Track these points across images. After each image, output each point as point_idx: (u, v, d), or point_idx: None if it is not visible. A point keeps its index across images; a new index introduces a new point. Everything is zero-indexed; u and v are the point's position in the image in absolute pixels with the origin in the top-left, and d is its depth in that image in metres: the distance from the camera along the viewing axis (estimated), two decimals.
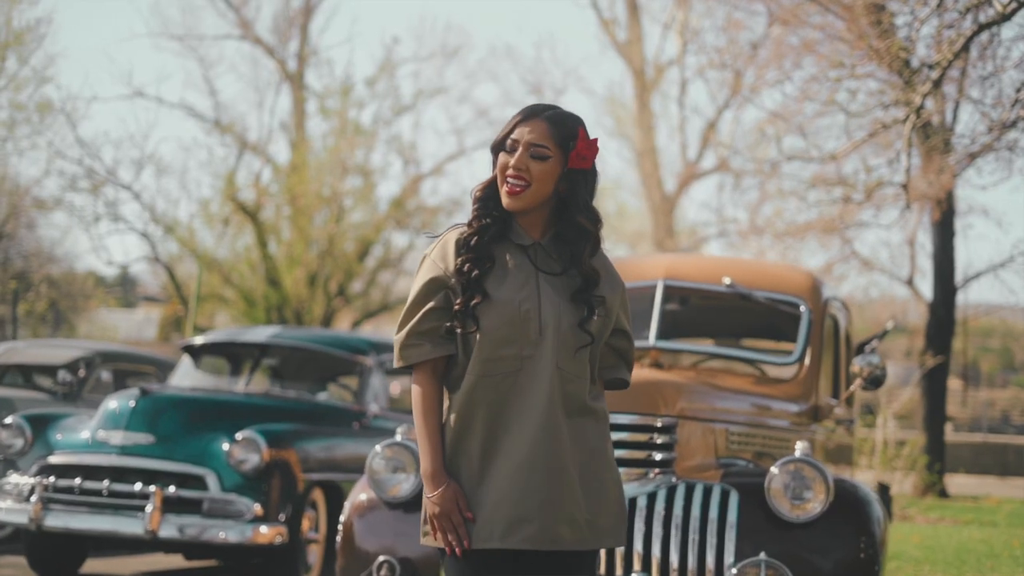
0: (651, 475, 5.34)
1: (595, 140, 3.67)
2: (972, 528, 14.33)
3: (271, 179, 25.33)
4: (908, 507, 16.66)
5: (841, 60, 18.61)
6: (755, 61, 26.61)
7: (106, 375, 12.38)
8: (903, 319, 27.89)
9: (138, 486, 8.45)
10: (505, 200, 3.63)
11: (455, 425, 3.57)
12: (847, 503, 5.39)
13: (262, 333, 10.47)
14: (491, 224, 3.65)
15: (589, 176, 3.69)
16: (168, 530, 8.30)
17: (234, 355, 10.73)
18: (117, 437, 8.69)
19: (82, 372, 12.01)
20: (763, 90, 25.93)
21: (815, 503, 5.28)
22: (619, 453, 5.30)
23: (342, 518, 5.75)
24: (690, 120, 32.34)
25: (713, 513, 5.27)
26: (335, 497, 9.26)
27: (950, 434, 26.53)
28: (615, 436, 5.31)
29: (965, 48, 11.54)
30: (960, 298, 22.60)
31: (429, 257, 3.69)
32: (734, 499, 5.33)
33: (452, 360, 3.62)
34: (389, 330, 35.64)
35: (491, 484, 3.51)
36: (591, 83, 69.78)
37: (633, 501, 5.23)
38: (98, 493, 8.54)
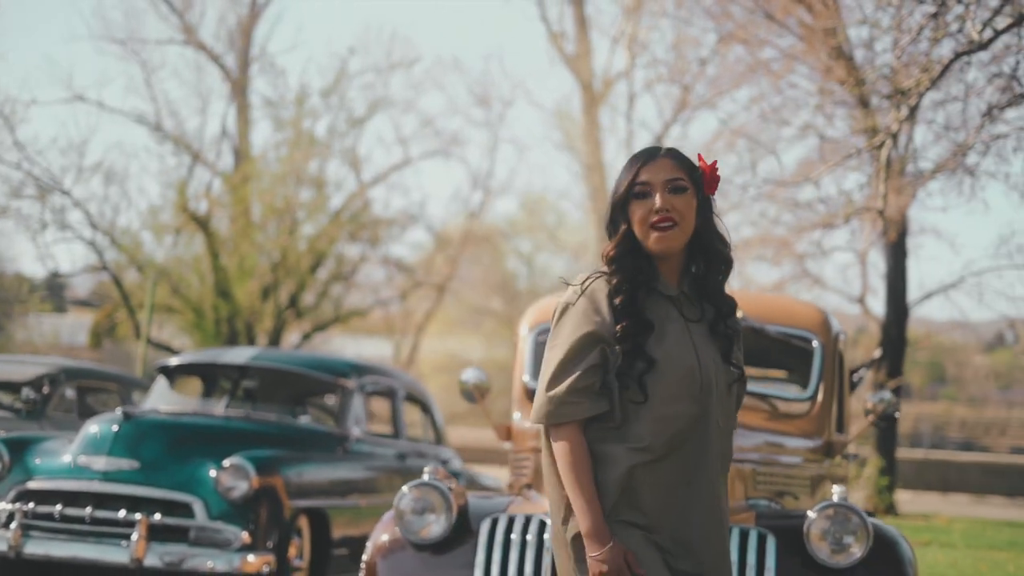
0: None
1: (715, 163, 3.61)
2: (933, 550, 14.41)
3: (221, 189, 25.02)
4: None
5: (795, 82, 18.75)
6: (703, 77, 26.80)
7: (70, 392, 12.12)
8: (854, 338, 28.11)
9: (122, 513, 8.25)
10: (657, 246, 3.52)
11: (616, 480, 3.46)
12: (885, 548, 5.35)
13: (241, 355, 10.29)
14: (636, 285, 3.52)
15: (711, 202, 3.63)
16: (153, 559, 8.11)
17: (211, 376, 10.55)
18: (100, 462, 8.48)
19: (46, 389, 11.75)
20: (714, 104, 26.10)
21: (856, 548, 5.23)
22: None
23: (365, 557, 5.62)
24: (638, 134, 32.25)
25: (751, 559, 5.20)
26: (320, 524, 9.11)
27: None
28: None
29: (942, 75, 11.62)
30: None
31: (575, 307, 3.55)
32: (771, 544, 5.26)
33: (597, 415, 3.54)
34: (340, 344, 35.47)
35: (665, 540, 3.46)
36: (539, 96, 69.83)
37: None
38: (80, 520, 8.34)
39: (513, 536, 5.30)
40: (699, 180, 3.57)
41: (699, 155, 3.59)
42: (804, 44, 17.55)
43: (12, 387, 12.04)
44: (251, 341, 23.12)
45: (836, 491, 5.37)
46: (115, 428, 8.60)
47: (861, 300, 22.48)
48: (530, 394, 6.95)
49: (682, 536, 3.47)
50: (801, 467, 6.57)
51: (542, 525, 5.32)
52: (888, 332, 20.80)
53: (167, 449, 8.58)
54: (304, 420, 10.01)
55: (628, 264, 3.53)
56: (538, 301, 7.66)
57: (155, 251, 24.01)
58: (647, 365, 3.45)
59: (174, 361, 10.42)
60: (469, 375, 7.12)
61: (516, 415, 6.89)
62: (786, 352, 7.15)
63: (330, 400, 10.35)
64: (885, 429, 20.73)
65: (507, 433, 6.96)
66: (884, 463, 20.05)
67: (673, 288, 3.55)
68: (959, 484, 28.06)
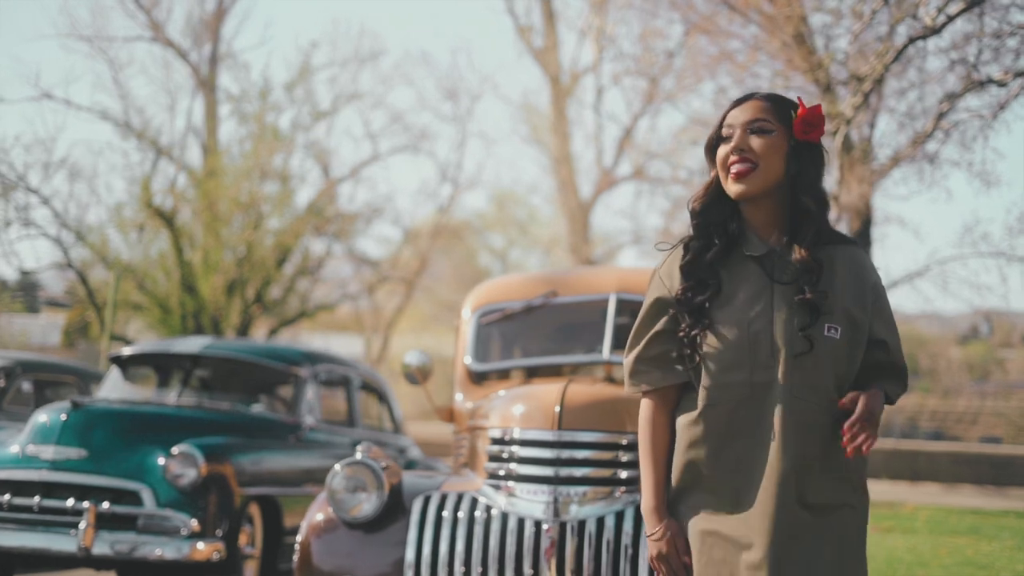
0: (617, 494, 5.26)
1: (818, 107, 3.31)
2: (895, 536, 14.47)
3: (187, 184, 24.93)
4: None
5: (757, 72, 18.77)
6: (671, 69, 26.83)
7: (27, 385, 12.06)
8: None
9: (70, 502, 8.21)
10: (731, 188, 3.28)
11: (680, 458, 3.31)
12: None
13: (194, 344, 10.25)
14: (713, 241, 3.32)
15: (818, 152, 3.33)
16: (102, 547, 8.07)
17: (164, 366, 10.51)
18: (48, 452, 8.44)
19: (2, 382, 11.69)
20: (680, 97, 26.17)
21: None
22: (583, 472, 5.23)
23: (299, 538, 5.61)
24: (606, 127, 32.33)
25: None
26: (271, 511, 9.10)
27: None
28: (576, 455, 5.25)
29: (896, 60, 11.65)
30: None
31: (658, 274, 3.42)
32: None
33: (686, 387, 3.36)
34: (307, 338, 35.39)
35: (721, 525, 3.23)
36: (507, 90, 69.81)
37: (600, 521, 5.15)
38: (28, 509, 8.30)
39: (445, 514, 5.30)
40: (790, 123, 3.30)
41: (799, 98, 3.33)
42: (766, 34, 17.59)
43: None
44: (217, 336, 23.03)
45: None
46: (63, 417, 8.56)
47: None
48: (471, 375, 6.95)
49: (747, 521, 3.19)
50: None
51: (473, 502, 5.33)
52: None
53: (116, 438, 8.54)
54: (257, 409, 9.98)
55: (712, 216, 3.34)
56: (480, 283, 7.66)
57: (121, 248, 23.89)
58: (701, 328, 3.26)
59: (127, 351, 10.37)
60: (412, 357, 7.11)
61: (458, 396, 6.89)
62: None
63: (285, 389, 10.31)
64: None
65: (449, 415, 6.96)
66: None
67: (762, 244, 3.30)
68: (929, 474, 28.15)
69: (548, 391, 5.43)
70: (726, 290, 3.29)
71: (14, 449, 8.60)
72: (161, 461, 8.32)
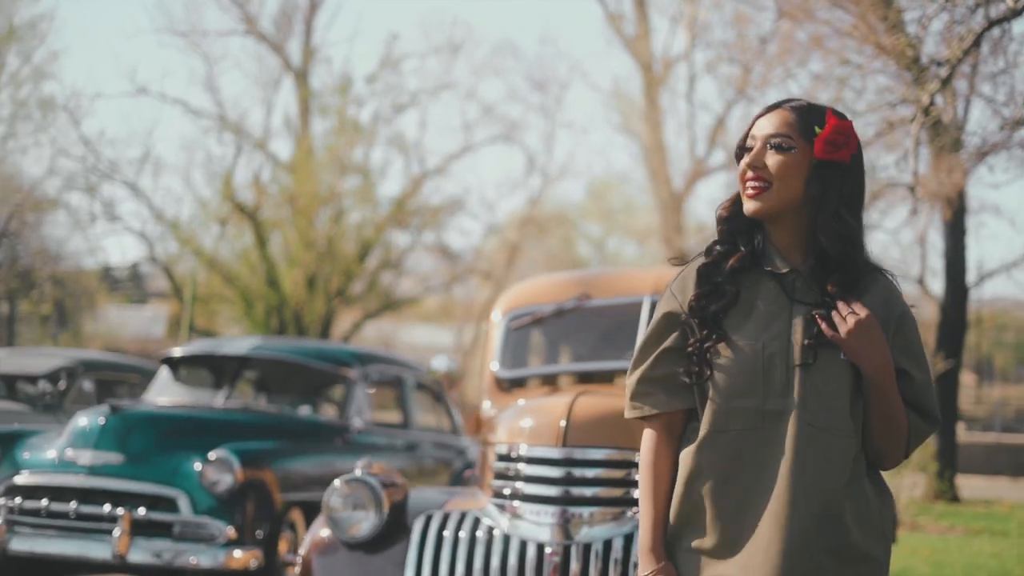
0: (628, 514, 4.95)
1: (849, 124, 3.02)
2: (983, 539, 13.92)
3: (270, 178, 24.96)
4: (919, 515, 16.22)
5: (847, 57, 18.22)
6: (763, 57, 26.28)
7: (89, 385, 12.02)
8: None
9: (107, 508, 8.10)
10: (746, 206, 3.01)
11: (680, 492, 3.00)
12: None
13: (243, 345, 10.09)
14: (735, 249, 3.06)
15: (847, 173, 3.02)
16: (137, 554, 7.94)
17: (214, 367, 10.36)
18: (86, 456, 8.33)
19: (63, 383, 11.66)
20: (768, 88, 25.61)
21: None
22: (591, 491, 4.92)
23: (301, 551, 5.38)
24: (699, 116, 31.76)
25: None
26: (315, 517, 8.89)
27: (963, 434, 26.12)
28: (584, 473, 4.94)
29: (976, 44, 11.14)
30: (973, 294, 22.17)
31: (670, 288, 3.12)
32: None
33: (691, 414, 3.06)
34: (390, 330, 35.34)
35: (722, 573, 2.93)
36: (597, 78, 69.25)
37: (608, 544, 4.84)
38: (65, 515, 8.20)
39: (446, 534, 5.02)
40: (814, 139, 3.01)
41: (829, 110, 3.03)
42: (853, 18, 17.07)
43: (30, 380, 11.97)
44: (300, 330, 23.04)
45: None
46: (102, 421, 8.44)
47: (920, 280, 21.87)
48: (499, 383, 6.67)
49: (750, 571, 2.88)
50: None
51: (476, 522, 5.04)
52: (947, 312, 20.21)
53: (154, 442, 8.42)
54: (304, 411, 9.79)
55: (738, 224, 3.07)
56: (513, 286, 7.37)
57: (208, 241, 24.02)
58: (713, 341, 2.98)
59: (177, 352, 10.25)
60: (440, 363, 6.84)
61: (485, 404, 6.60)
62: None
63: (334, 391, 10.12)
64: (944, 413, 20.14)
65: (476, 425, 6.67)
66: (939, 447, 19.43)
67: (784, 263, 3.02)
68: None
69: (555, 404, 5.12)
70: (743, 305, 3.02)
71: (52, 453, 8.51)
72: (198, 467, 8.16)
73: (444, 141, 58.65)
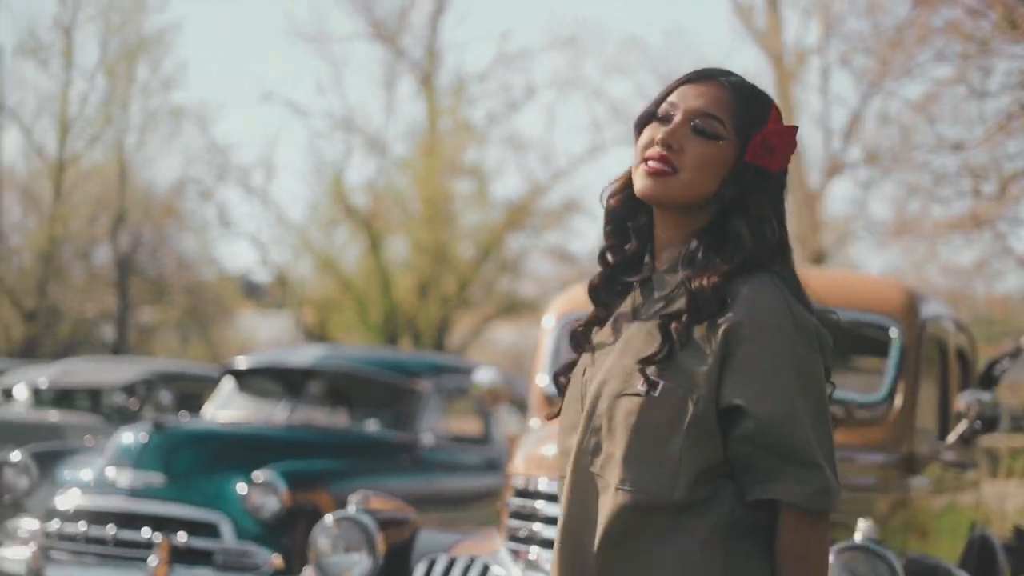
0: None
1: (793, 129, 2.42)
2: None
3: (385, 184, 24.49)
4: None
5: (984, 38, 17.04)
6: (900, 46, 25.06)
7: (167, 396, 11.52)
8: None
9: (146, 532, 7.46)
10: (637, 183, 2.38)
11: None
12: None
13: (307, 356, 9.44)
14: (629, 239, 2.47)
15: (772, 182, 2.42)
16: None
17: (279, 379, 9.71)
18: (126, 477, 7.70)
19: (139, 394, 11.20)
20: (906, 79, 24.37)
21: None
22: None
23: None
24: (833, 111, 30.41)
25: None
26: None
27: None
28: None
29: None
30: None
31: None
32: None
33: None
34: (506, 332, 34.65)
35: None
36: None
37: None
38: (103, 541, 7.59)
39: None
40: (749, 135, 2.40)
41: (774, 109, 2.43)
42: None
43: (107, 392, 11.59)
44: (414, 336, 22.48)
45: (860, 526, 4.12)
46: (144, 439, 7.80)
47: None
48: (548, 399, 5.84)
49: None
50: (871, 489, 5.26)
51: (484, 570, 4.23)
52: None
53: (199, 462, 7.77)
54: (371, 426, 9.09)
55: (621, 213, 2.47)
56: (567, 288, 6.53)
57: (322, 246, 23.69)
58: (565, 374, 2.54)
59: (241, 363, 9.63)
60: (484, 376, 6.02)
61: (532, 423, 5.77)
62: (858, 343, 5.81)
63: (403, 405, 9.40)
64: None
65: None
66: None
67: (647, 267, 2.45)
68: None
69: None
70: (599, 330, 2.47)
71: (93, 473, 7.92)
72: (242, 489, 7.49)
73: (569, 140, 57.85)
